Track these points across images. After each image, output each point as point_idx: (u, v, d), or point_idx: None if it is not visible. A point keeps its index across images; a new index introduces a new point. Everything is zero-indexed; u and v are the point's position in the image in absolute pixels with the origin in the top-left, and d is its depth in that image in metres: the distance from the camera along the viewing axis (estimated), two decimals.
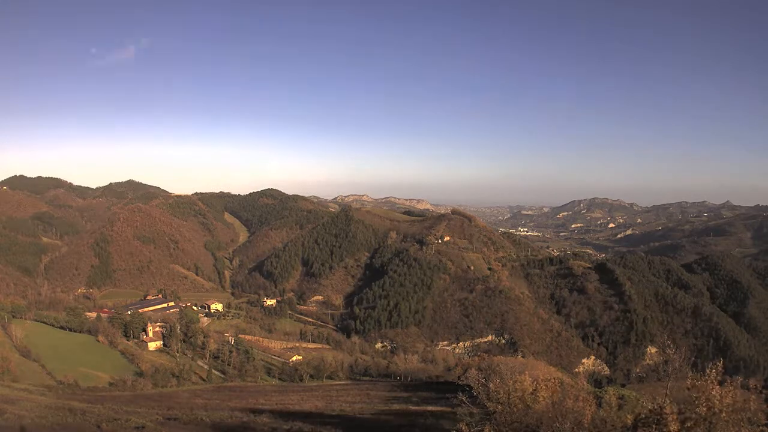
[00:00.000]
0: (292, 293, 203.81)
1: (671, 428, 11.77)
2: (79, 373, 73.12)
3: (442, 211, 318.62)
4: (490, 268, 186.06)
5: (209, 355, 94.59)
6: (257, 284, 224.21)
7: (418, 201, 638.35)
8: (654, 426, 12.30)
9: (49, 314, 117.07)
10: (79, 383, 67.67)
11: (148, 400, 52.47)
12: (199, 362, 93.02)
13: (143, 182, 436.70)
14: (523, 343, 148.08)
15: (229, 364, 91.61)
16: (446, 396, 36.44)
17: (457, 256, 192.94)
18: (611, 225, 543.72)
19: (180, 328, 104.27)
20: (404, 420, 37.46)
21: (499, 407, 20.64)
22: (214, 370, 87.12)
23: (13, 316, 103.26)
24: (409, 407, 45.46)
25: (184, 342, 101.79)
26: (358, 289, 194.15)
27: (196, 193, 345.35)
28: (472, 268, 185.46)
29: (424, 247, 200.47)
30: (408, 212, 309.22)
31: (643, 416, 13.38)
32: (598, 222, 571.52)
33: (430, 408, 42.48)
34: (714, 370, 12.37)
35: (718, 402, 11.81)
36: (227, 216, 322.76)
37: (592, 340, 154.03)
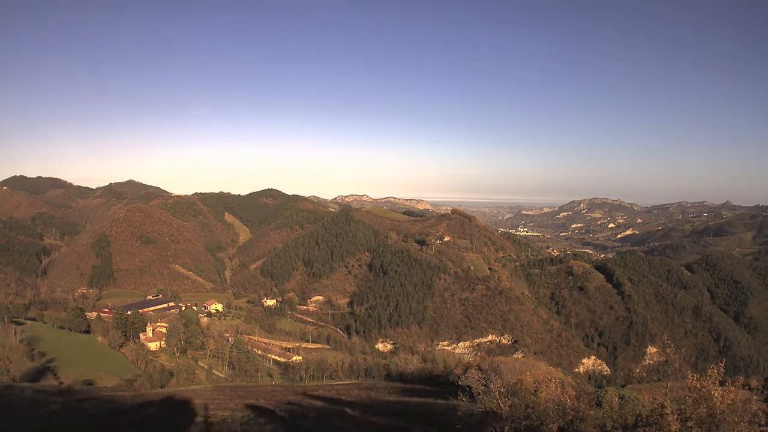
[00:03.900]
0: (292, 293, 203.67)
1: (672, 428, 11.77)
2: (79, 374, 73.07)
3: (442, 211, 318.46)
4: (490, 268, 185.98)
5: (209, 356, 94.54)
6: (257, 284, 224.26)
7: (418, 201, 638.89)
8: (655, 426, 12.31)
9: (50, 314, 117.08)
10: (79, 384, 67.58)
11: (149, 400, 52.48)
12: (200, 362, 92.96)
13: (143, 182, 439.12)
14: (523, 343, 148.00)
15: (229, 365, 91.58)
16: (447, 396, 36.46)
17: (457, 256, 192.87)
18: (611, 225, 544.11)
19: (180, 329, 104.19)
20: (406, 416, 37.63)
21: (500, 406, 20.64)
22: (214, 371, 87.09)
23: (14, 316, 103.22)
24: (412, 400, 45.68)
25: (184, 342, 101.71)
26: (358, 289, 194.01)
27: (196, 193, 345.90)
28: (472, 268, 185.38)
29: (424, 247, 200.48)
30: (408, 212, 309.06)
31: (644, 416, 13.36)
32: (599, 222, 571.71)
33: (432, 407, 42.48)
34: (716, 371, 12.36)
35: (719, 402, 11.80)
36: (227, 216, 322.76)
37: (593, 340, 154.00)
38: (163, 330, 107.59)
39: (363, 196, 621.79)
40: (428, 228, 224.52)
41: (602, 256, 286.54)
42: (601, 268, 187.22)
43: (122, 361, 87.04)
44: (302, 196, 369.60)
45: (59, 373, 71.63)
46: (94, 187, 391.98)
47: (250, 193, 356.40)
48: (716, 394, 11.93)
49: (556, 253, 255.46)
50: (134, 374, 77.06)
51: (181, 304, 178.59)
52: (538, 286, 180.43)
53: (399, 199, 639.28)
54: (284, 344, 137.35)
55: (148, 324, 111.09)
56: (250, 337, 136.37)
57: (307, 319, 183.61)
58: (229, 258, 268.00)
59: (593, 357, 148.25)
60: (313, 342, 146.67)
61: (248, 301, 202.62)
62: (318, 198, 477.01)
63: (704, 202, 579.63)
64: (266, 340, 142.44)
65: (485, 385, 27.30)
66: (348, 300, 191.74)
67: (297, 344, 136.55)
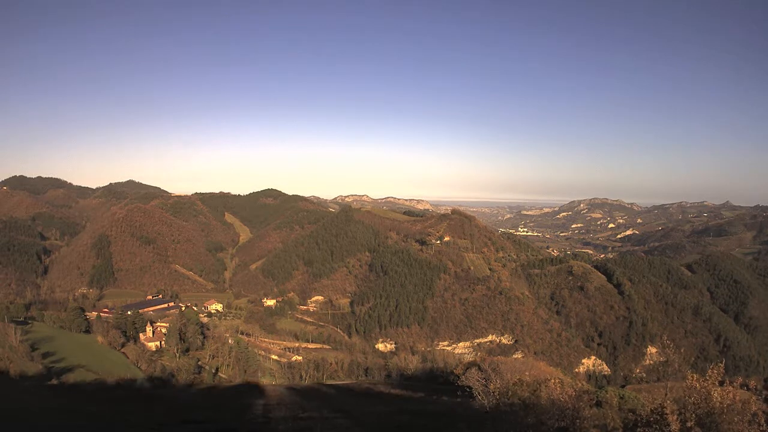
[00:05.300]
0: (292, 293, 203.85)
1: (672, 428, 11.82)
2: (80, 374, 73.04)
3: (443, 211, 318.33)
4: (490, 268, 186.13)
5: (209, 356, 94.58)
6: (258, 284, 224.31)
7: (418, 201, 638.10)
8: (654, 426, 12.35)
9: (50, 314, 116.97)
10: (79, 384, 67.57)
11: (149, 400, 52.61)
12: (200, 362, 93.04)
13: (143, 182, 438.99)
14: (523, 343, 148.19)
15: (228, 365, 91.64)
16: (447, 395, 36.60)
17: (457, 256, 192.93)
18: (611, 225, 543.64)
19: (180, 329, 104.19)
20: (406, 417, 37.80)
21: (499, 406, 20.70)
22: (214, 371, 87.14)
23: (14, 316, 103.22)
24: (413, 397, 45.85)
25: (183, 342, 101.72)
26: (359, 289, 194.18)
27: (196, 193, 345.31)
28: (472, 268, 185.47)
29: (424, 247, 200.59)
30: (408, 212, 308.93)
31: (644, 416, 13.41)
32: (599, 222, 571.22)
33: (430, 407, 42.58)
34: (715, 371, 12.42)
35: (718, 403, 11.85)
36: (227, 216, 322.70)
37: (593, 340, 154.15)
38: (164, 330, 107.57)
39: (363, 196, 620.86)
40: (428, 228, 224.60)
41: (602, 256, 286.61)
42: (601, 268, 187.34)
43: (123, 362, 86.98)
44: (302, 196, 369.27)
45: (60, 374, 71.56)
46: (94, 187, 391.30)
47: (250, 193, 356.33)
48: (715, 394, 11.99)
49: (556, 253, 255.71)
50: (135, 375, 77.17)
51: (181, 304, 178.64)
52: (538, 286, 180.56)
53: (399, 199, 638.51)
54: (285, 344, 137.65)
55: (149, 324, 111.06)
56: (250, 337, 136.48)
57: (307, 319, 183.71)
58: (229, 258, 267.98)
59: (593, 357, 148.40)
60: (313, 342, 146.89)
61: (248, 301, 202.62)
62: (318, 198, 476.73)
63: (704, 202, 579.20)
64: (267, 340, 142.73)
65: (485, 385, 27.41)
66: (348, 300, 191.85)
67: (297, 344, 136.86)
